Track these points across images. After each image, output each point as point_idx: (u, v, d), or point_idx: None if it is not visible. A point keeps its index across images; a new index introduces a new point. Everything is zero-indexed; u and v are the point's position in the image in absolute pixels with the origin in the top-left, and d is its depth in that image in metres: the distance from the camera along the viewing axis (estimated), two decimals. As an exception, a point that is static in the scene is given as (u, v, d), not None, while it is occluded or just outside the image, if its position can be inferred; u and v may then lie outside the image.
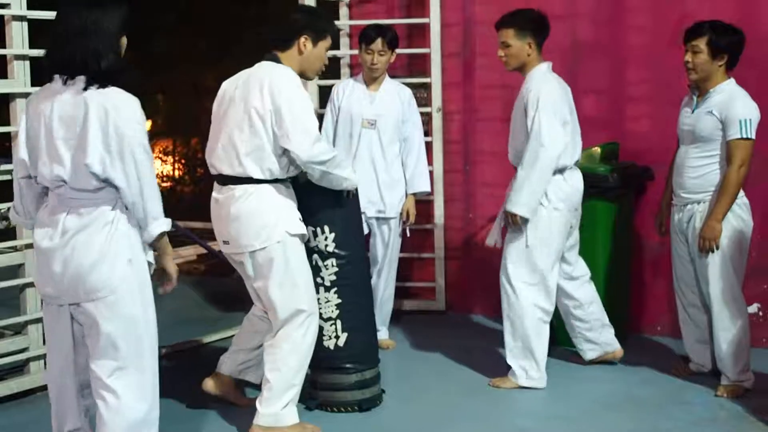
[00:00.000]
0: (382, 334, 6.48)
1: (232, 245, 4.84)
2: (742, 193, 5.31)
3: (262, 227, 4.75)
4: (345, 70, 7.42)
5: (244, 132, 4.76)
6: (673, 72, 6.28)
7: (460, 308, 7.28)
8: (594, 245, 6.16)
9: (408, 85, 6.59)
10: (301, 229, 4.86)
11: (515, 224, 5.52)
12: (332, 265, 5.11)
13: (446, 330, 6.82)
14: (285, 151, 4.73)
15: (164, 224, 3.83)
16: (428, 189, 6.57)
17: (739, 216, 5.34)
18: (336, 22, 7.10)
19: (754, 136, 5.20)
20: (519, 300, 5.56)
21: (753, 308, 6.25)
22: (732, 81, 5.34)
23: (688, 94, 5.54)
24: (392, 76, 6.54)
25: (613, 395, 5.52)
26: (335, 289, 5.13)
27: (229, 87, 4.97)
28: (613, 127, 6.69)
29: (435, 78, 7.11)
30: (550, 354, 6.04)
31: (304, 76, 4.96)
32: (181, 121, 15.85)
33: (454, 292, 7.35)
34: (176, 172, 20.83)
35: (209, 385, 5.24)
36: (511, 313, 5.62)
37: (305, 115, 4.72)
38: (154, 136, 18.04)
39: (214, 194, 4.95)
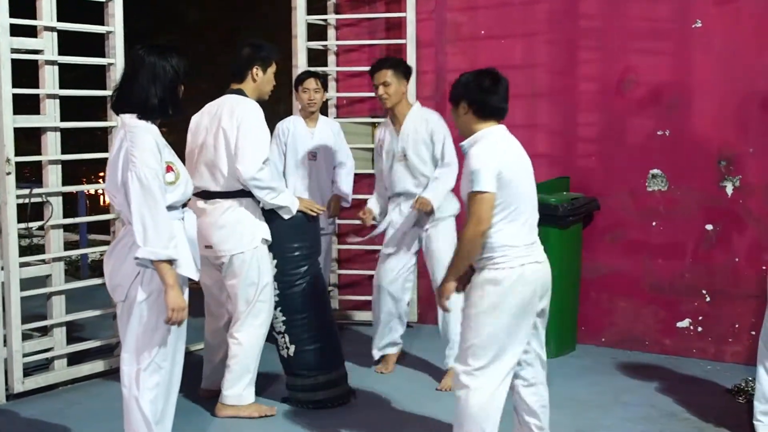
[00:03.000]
0: None
1: (215, 249, 5.29)
2: (511, 256, 4.22)
3: (243, 234, 5.25)
4: (332, 110, 7.80)
5: (219, 152, 5.25)
6: (618, 116, 6.75)
7: (429, 320, 7.41)
8: (546, 266, 6.52)
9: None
10: (270, 237, 5.34)
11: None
12: (276, 288, 5.46)
13: (417, 338, 7.14)
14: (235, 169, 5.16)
15: (143, 252, 3.92)
16: (349, 195, 6.84)
17: (500, 283, 4.22)
18: (324, 69, 7.59)
19: (488, 189, 4.13)
20: None
21: (685, 323, 6.62)
22: (486, 131, 4.36)
23: None
24: (373, 116, 6.94)
25: (557, 396, 5.62)
26: (280, 308, 5.49)
27: (201, 118, 5.45)
28: (564, 163, 7.03)
29: (411, 118, 7.45)
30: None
31: (260, 98, 5.41)
32: (181, 154, 16.23)
33: (424, 306, 7.63)
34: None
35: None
36: None
37: (258, 143, 5.17)
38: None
39: (199, 204, 5.32)
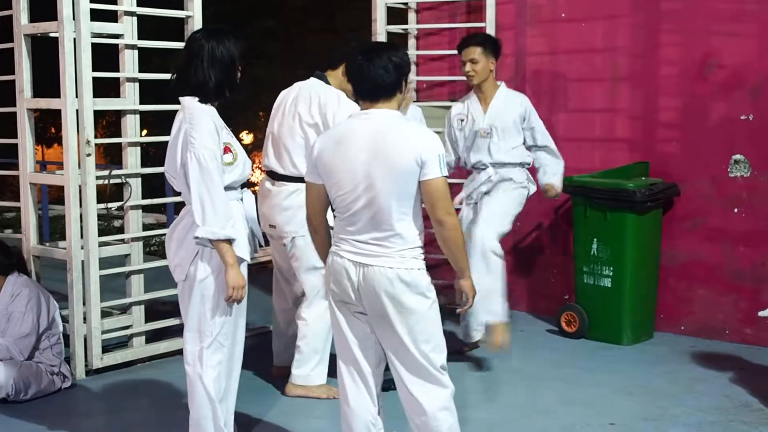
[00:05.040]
0: None
1: (279, 230, 5.37)
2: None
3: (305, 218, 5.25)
4: (412, 94, 7.70)
5: (294, 139, 5.31)
6: (700, 100, 6.60)
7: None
8: (623, 252, 6.44)
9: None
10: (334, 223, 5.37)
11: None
12: None
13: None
14: None
15: (202, 231, 4.00)
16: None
17: None
18: (404, 53, 7.55)
19: (307, 179, 4.11)
20: None
21: (767, 312, 6.35)
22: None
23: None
24: (452, 100, 6.90)
25: (631, 384, 5.74)
26: None
27: (287, 96, 5.49)
28: (644, 148, 6.90)
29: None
30: (576, 345, 6.39)
31: (345, 92, 5.39)
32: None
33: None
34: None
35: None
36: None
37: None
38: (255, 148, 18.61)
39: (267, 185, 5.43)
